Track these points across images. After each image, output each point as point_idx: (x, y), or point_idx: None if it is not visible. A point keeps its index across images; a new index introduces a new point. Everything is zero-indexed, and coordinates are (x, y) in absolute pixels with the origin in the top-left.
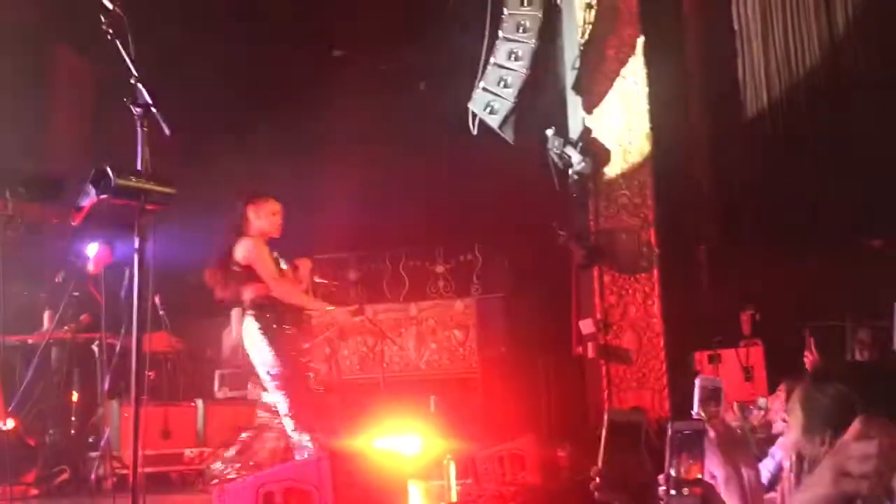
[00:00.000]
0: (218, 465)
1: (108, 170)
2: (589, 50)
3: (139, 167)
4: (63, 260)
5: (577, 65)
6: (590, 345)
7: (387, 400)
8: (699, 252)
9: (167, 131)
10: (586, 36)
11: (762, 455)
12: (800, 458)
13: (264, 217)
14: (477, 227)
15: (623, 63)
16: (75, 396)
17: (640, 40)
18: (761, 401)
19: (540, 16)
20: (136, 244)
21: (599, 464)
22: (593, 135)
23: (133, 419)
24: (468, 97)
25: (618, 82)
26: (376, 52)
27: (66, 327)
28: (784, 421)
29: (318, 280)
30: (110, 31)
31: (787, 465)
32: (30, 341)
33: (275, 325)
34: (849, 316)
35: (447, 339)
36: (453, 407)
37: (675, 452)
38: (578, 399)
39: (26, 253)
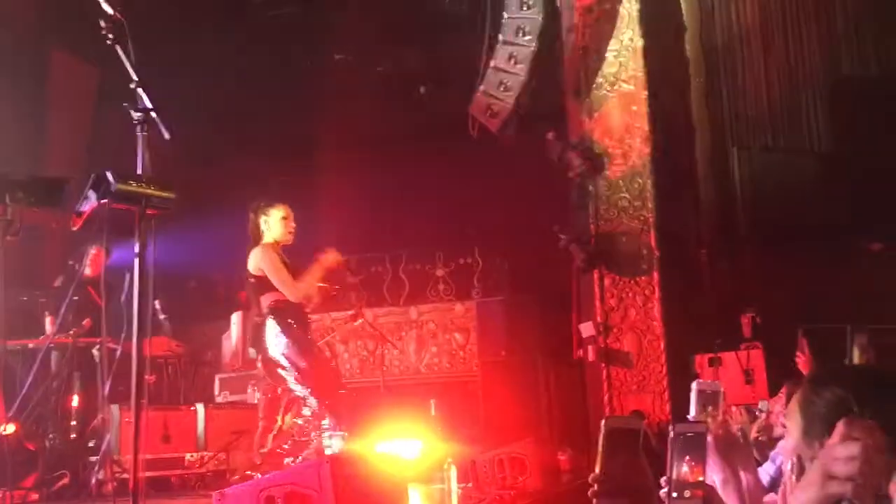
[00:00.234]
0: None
1: (109, 174)
2: (588, 53)
3: (139, 172)
4: (62, 264)
5: (577, 68)
6: (590, 348)
7: (387, 403)
8: (700, 255)
9: (167, 136)
10: (586, 39)
11: (763, 459)
12: (800, 461)
13: (275, 224)
14: (477, 231)
15: (623, 66)
16: (75, 401)
17: (640, 43)
18: (762, 404)
19: (540, 19)
20: (137, 249)
21: (597, 470)
22: (593, 138)
23: (134, 423)
24: (468, 101)
25: (617, 85)
26: (377, 56)
27: (70, 332)
28: (783, 426)
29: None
30: (110, 35)
31: (787, 468)
32: (30, 345)
33: (294, 325)
34: (849, 319)
35: (447, 343)
36: (454, 410)
37: (677, 455)
38: (579, 402)
39: (26, 258)
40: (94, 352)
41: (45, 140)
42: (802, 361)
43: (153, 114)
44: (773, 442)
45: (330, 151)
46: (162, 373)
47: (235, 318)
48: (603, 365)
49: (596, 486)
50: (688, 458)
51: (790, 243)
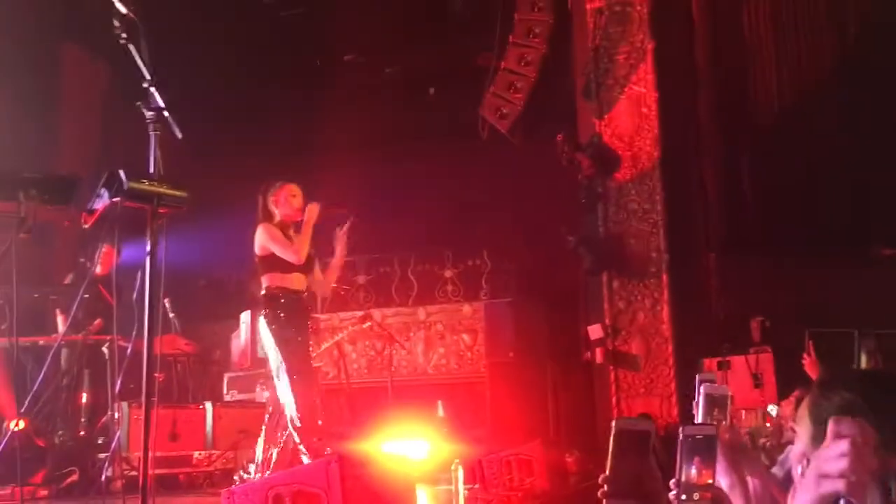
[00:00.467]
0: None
1: (121, 173)
2: (599, 55)
3: (151, 170)
4: (74, 262)
5: (588, 70)
6: (598, 350)
7: (395, 404)
8: (709, 258)
9: (179, 135)
10: (596, 41)
11: (771, 463)
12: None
13: (284, 203)
14: (486, 232)
15: (633, 68)
16: (85, 398)
17: (651, 46)
18: (771, 408)
19: (550, 21)
20: (148, 247)
21: (607, 471)
22: (603, 140)
23: (143, 421)
24: (478, 102)
25: (627, 88)
26: (387, 57)
27: (83, 331)
28: (792, 430)
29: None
30: (123, 35)
31: (797, 473)
32: (41, 343)
33: (283, 316)
34: (856, 324)
35: (455, 344)
36: (461, 411)
37: (687, 457)
38: (586, 404)
39: (38, 255)
40: (105, 349)
41: (56, 138)
42: (808, 363)
43: (165, 113)
44: (781, 447)
45: (339, 152)
46: (171, 371)
47: (244, 318)
48: (611, 367)
49: (605, 487)
50: (697, 460)
51: (799, 247)
